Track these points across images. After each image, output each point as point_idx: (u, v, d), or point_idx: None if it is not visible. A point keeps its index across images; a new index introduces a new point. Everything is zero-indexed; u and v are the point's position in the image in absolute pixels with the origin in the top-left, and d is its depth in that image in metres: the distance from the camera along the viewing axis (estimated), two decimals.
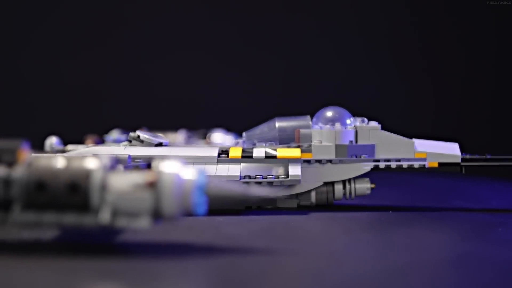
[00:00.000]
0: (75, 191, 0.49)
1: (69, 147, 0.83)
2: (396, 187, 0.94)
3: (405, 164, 0.73)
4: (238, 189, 0.51)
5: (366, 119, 0.75)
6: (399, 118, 1.18)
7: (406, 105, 1.49)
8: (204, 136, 1.00)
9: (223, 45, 1.53)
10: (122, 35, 1.55)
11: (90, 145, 0.92)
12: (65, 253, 0.50)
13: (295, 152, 0.72)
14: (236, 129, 0.95)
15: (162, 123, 1.03)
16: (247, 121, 0.89)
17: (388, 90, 1.50)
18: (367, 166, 0.73)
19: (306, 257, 0.49)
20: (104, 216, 0.48)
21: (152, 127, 0.98)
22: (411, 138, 0.74)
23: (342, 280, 0.42)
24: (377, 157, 0.73)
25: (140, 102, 1.50)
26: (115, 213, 0.49)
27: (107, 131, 1.00)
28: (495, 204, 0.83)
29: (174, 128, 1.00)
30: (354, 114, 0.76)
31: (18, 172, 0.49)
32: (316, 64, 1.52)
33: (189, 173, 0.50)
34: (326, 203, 0.75)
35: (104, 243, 0.54)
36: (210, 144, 0.92)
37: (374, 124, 0.74)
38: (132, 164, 0.52)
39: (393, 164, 0.73)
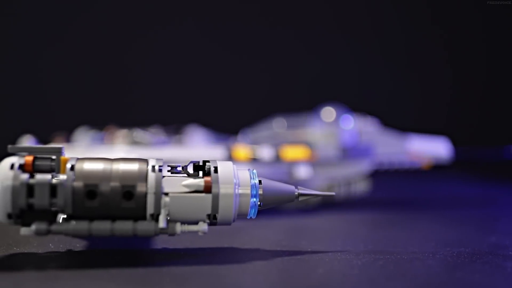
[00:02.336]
0: (129, 198, 0.46)
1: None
2: (393, 186, 0.97)
3: (401, 165, 0.76)
4: (288, 188, 0.51)
5: (367, 116, 0.77)
6: (393, 111, 1.20)
7: (400, 98, 1.51)
8: (178, 132, 0.98)
9: (210, 35, 1.49)
10: (87, 28, 1.46)
11: (58, 143, 0.86)
12: (116, 260, 0.47)
13: (302, 153, 0.72)
14: (225, 126, 0.93)
15: (131, 118, 0.99)
16: (234, 118, 0.88)
17: (384, 85, 1.52)
18: (368, 167, 0.75)
19: (363, 255, 0.49)
20: (161, 222, 0.46)
21: (121, 123, 0.95)
22: (405, 132, 0.78)
23: (418, 273, 0.44)
24: (376, 158, 0.75)
25: (107, 96, 1.41)
26: (172, 219, 0.47)
27: (73, 128, 0.94)
28: (482, 199, 0.89)
29: (145, 123, 0.97)
30: (353, 109, 0.78)
31: (64, 179, 0.45)
32: (307, 61, 1.52)
33: (244, 175, 0.49)
34: (329, 202, 0.76)
35: (142, 249, 0.51)
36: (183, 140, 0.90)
37: (374, 122, 0.77)
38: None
39: (391, 165, 0.76)
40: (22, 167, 0.45)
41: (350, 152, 0.74)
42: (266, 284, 0.41)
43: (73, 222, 0.45)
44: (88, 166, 0.46)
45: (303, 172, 0.71)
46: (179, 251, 0.51)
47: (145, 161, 0.48)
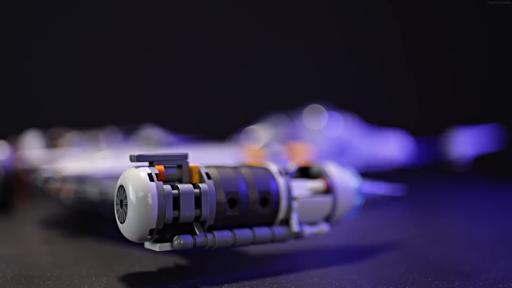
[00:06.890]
0: (265, 204, 0.45)
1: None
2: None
3: (379, 167, 0.83)
4: (378, 190, 0.55)
5: (351, 114, 0.81)
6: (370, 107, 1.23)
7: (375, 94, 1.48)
8: (133, 132, 0.92)
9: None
10: (34, 28, 1.28)
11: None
12: (247, 264, 0.46)
13: (306, 151, 0.75)
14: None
15: (83, 119, 0.90)
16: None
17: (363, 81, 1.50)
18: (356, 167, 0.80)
19: (445, 239, 0.55)
20: (294, 226, 0.46)
21: (72, 124, 0.87)
22: (380, 126, 0.84)
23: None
24: (362, 158, 0.81)
25: (55, 97, 1.23)
26: (301, 222, 0.47)
27: (20, 131, 0.84)
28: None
29: (98, 124, 0.90)
30: (337, 106, 0.82)
31: (206, 188, 0.42)
32: (292, 61, 1.47)
33: (351, 177, 0.51)
34: None
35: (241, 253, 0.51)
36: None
37: (357, 120, 0.82)
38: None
39: (370, 167, 0.82)
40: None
41: (337, 151, 0.79)
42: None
43: (216, 233, 0.43)
44: (222, 173, 0.44)
45: None
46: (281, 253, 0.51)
47: (265, 166, 0.47)
